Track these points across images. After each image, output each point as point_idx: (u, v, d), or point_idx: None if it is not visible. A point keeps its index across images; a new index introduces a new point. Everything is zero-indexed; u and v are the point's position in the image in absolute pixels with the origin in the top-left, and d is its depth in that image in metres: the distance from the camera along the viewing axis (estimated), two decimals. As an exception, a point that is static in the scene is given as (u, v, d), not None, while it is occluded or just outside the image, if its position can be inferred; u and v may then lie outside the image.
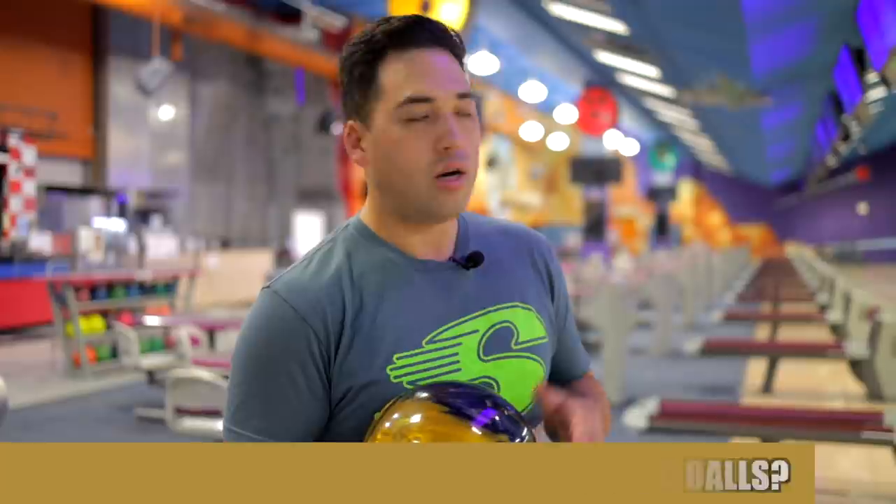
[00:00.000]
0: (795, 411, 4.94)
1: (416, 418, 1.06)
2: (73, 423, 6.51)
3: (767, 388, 7.57)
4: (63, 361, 8.60)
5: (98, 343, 8.64)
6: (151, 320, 7.83)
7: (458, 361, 1.19)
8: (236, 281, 15.87)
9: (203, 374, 4.17)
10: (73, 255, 11.65)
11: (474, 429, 1.04)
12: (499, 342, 1.24)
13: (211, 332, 7.26)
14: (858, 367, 7.40)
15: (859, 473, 5.13)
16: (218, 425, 4.15)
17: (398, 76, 1.19)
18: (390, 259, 1.23)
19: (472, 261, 1.25)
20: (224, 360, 5.18)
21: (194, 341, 6.66)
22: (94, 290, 8.69)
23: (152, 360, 6.89)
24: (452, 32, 1.24)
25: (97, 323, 8.60)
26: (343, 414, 1.18)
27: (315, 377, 1.17)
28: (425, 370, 1.17)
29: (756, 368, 8.65)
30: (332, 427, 1.20)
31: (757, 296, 13.19)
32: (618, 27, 13.34)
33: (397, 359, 1.16)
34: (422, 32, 1.20)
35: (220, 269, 15.40)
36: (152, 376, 6.92)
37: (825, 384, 8.12)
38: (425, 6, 10.33)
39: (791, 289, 14.06)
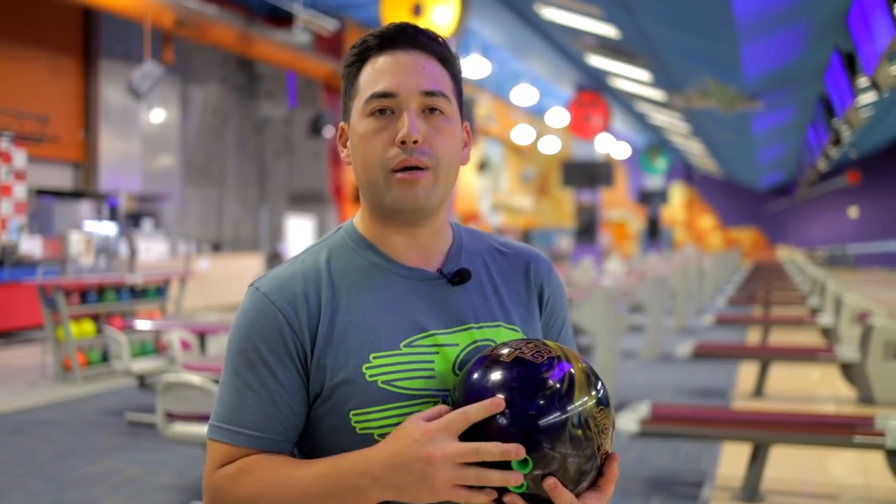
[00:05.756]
0: (787, 415, 4.94)
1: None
2: (63, 428, 6.48)
3: (759, 391, 7.59)
4: (53, 366, 8.56)
5: (89, 347, 8.62)
6: (142, 324, 7.80)
7: (432, 369, 1.19)
8: (227, 284, 15.83)
9: (194, 378, 4.16)
10: (63, 258, 11.59)
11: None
12: None
13: (202, 336, 7.23)
14: (850, 371, 7.42)
15: (850, 478, 5.14)
16: (209, 430, 4.13)
17: (371, 75, 1.22)
18: (375, 263, 1.25)
19: (458, 276, 1.26)
20: (215, 364, 5.16)
21: (185, 345, 6.64)
22: (84, 293, 8.66)
23: (143, 365, 6.87)
24: (440, 39, 1.26)
25: (88, 327, 8.57)
26: (319, 412, 1.19)
27: (293, 369, 1.18)
28: (400, 371, 1.17)
29: (747, 372, 8.67)
30: (310, 424, 1.21)
31: (748, 299, 13.20)
32: (609, 31, 13.36)
33: (374, 358, 1.17)
34: (404, 37, 1.23)
35: (211, 273, 15.36)
36: (143, 380, 6.91)
37: (816, 388, 8.14)
38: (416, 10, 10.34)
39: (782, 292, 14.08)
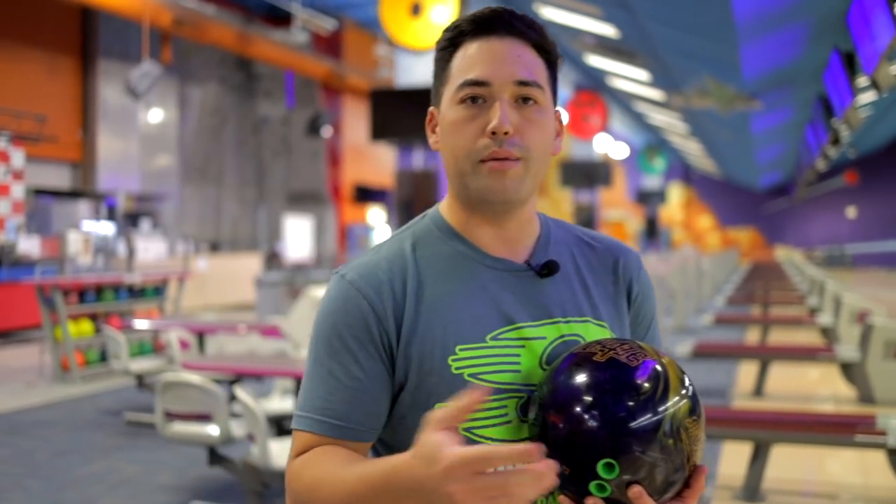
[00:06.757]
0: (787, 415, 4.93)
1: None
2: (62, 428, 6.46)
3: (758, 391, 7.58)
4: (52, 365, 8.54)
5: (87, 347, 8.60)
6: (140, 324, 7.78)
7: (518, 363, 1.16)
8: (226, 284, 15.82)
9: (192, 377, 4.14)
10: (61, 258, 11.59)
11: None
12: None
13: (200, 336, 7.22)
14: (849, 371, 7.41)
15: (851, 477, 5.13)
16: (207, 429, 4.12)
17: (464, 61, 1.19)
18: (461, 252, 1.22)
19: (546, 269, 1.23)
20: (213, 363, 5.14)
21: (184, 345, 6.62)
22: (82, 293, 8.64)
23: (141, 364, 6.85)
24: (536, 25, 1.22)
25: (86, 326, 8.56)
26: (405, 404, 1.17)
27: (377, 357, 1.16)
28: (486, 364, 1.15)
29: (747, 372, 8.66)
30: (394, 417, 1.19)
31: (747, 299, 13.19)
32: (608, 30, 13.36)
33: (460, 350, 1.15)
34: (499, 22, 1.19)
35: (209, 272, 15.34)
36: (142, 380, 6.88)
37: (816, 387, 8.13)
38: (415, 9, 10.31)
39: (781, 292, 14.07)
